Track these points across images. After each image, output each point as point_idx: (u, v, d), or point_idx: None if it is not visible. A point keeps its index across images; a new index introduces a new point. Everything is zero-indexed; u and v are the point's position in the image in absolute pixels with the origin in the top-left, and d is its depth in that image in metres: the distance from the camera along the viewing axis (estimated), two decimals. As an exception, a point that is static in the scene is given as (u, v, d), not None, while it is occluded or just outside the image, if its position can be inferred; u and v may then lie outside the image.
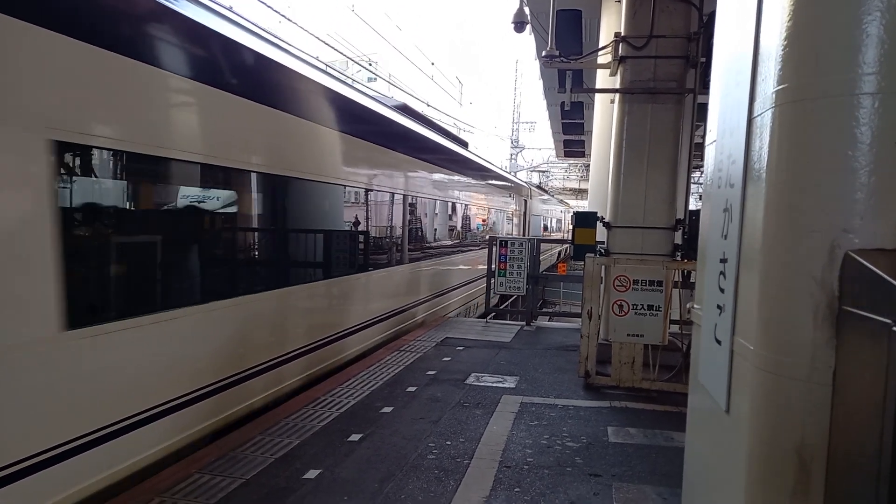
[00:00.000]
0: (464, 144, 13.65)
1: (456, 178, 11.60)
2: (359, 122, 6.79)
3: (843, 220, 1.48)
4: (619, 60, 6.52)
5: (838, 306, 1.48)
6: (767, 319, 1.62)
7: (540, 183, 42.22)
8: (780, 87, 1.60)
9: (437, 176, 10.14)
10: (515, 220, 18.97)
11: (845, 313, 1.45)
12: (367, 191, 6.96)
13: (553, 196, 34.72)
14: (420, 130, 9.36)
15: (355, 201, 6.83)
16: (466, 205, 12.84)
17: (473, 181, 13.06)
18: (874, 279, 1.32)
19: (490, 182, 14.73)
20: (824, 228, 1.50)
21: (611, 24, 9.85)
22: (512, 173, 25.98)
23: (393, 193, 7.91)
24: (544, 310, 16.03)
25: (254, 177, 4.74)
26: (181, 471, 3.70)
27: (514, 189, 18.82)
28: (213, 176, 4.35)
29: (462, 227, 12.63)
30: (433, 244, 10.32)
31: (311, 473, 3.73)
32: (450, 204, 11.50)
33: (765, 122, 1.66)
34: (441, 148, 10.39)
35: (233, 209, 4.61)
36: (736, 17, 2.05)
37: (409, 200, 8.66)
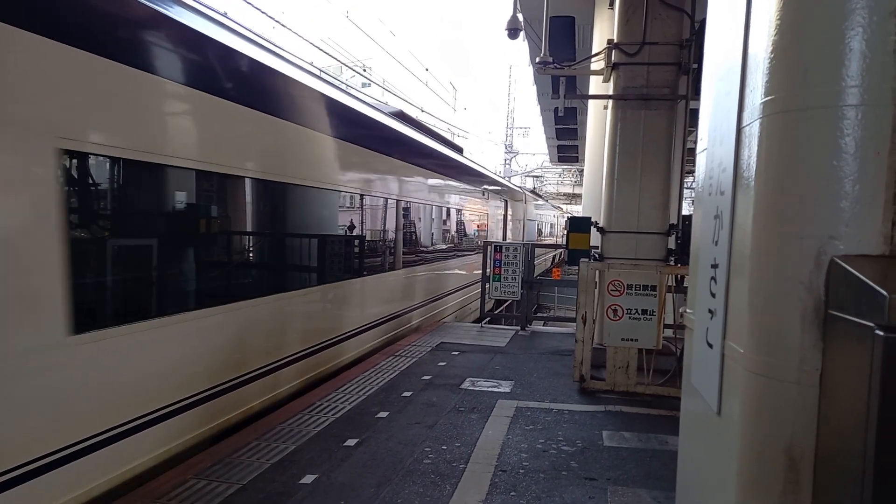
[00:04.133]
0: None
1: None
2: None
3: (829, 228, 1.53)
4: (612, 67, 6.59)
5: (825, 310, 1.52)
6: (757, 323, 1.67)
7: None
8: (767, 98, 1.65)
9: None
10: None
11: (831, 317, 1.50)
12: None
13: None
14: None
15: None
16: None
17: None
18: (859, 284, 1.37)
19: None
20: (811, 235, 1.55)
21: (604, 30, 9.94)
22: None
23: None
24: (539, 314, 16.08)
25: None
26: (177, 476, 3.71)
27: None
28: None
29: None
30: None
31: (308, 478, 3.74)
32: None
33: (753, 132, 1.71)
34: None
35: None
36: (725, 29, 2.10)
37: None
